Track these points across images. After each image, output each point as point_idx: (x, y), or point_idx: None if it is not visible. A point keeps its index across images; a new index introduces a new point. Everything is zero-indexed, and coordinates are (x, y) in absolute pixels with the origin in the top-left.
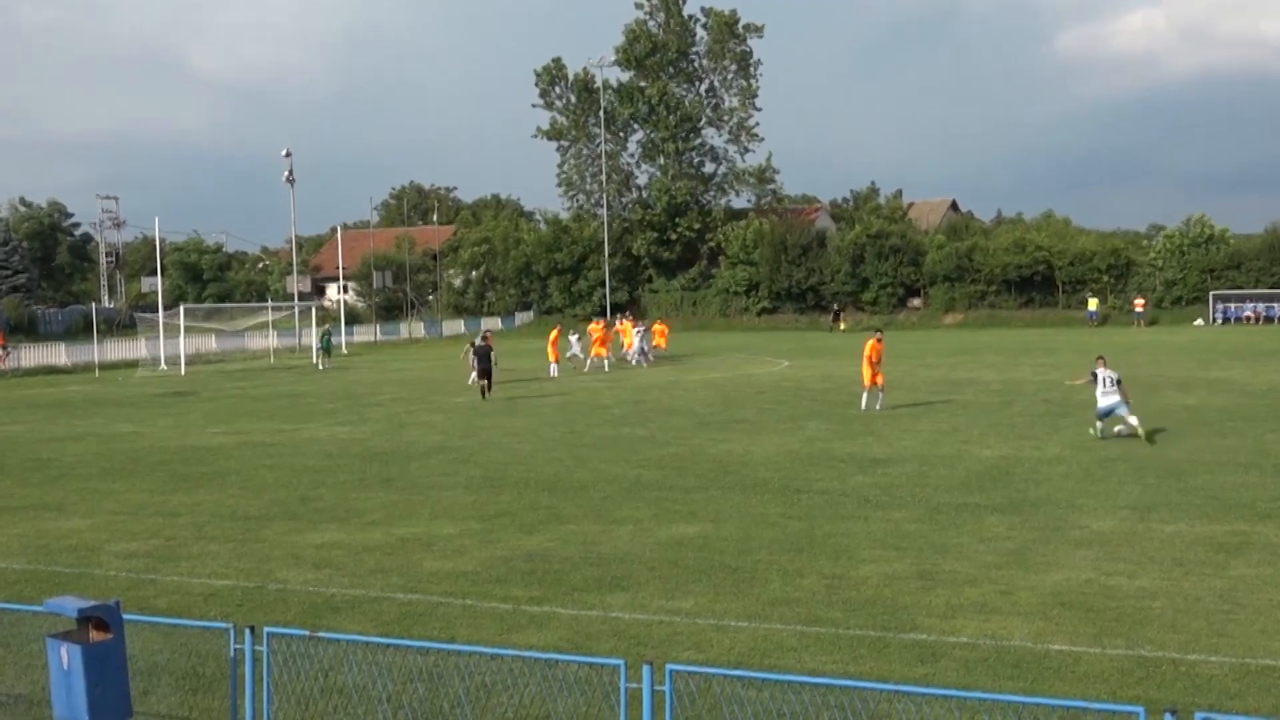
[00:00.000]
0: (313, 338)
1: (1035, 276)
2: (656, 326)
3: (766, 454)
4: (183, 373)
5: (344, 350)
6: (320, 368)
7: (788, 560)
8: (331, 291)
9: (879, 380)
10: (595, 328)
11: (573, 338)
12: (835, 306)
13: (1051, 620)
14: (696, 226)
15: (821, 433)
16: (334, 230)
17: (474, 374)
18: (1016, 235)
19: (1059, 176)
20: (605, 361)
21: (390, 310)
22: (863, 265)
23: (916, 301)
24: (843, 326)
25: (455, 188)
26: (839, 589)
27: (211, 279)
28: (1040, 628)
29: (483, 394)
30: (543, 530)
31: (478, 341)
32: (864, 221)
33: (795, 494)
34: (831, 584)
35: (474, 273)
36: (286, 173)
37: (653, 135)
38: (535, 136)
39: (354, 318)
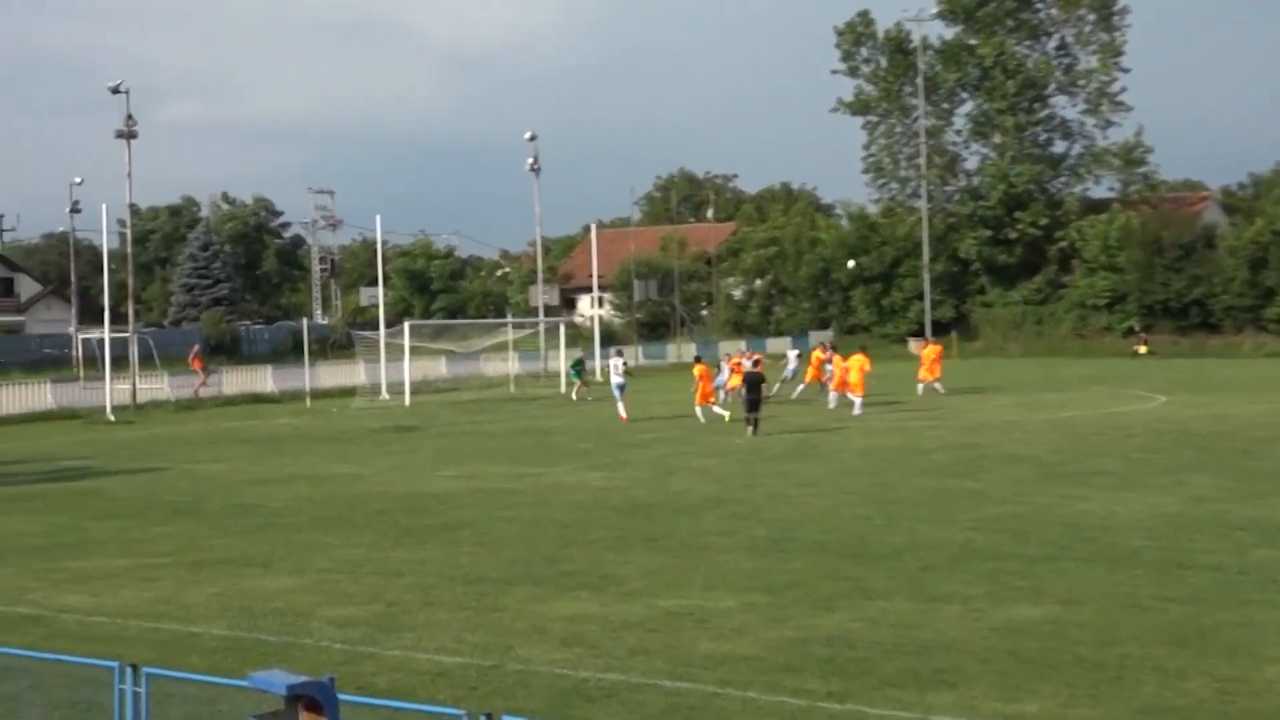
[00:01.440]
0: (561, 361)
1: None
2: (828, 356)
3: (1136, 516)
4: (407, 403)
5: (598, 376)
6: (575, 398)
7: (1165, 656)
8: (583, 305)
9: None
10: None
11: (792, 353)
12: (1136, 327)
13: None
14: (1043, 222)
15: (1211, 490)
16: (587, 230)
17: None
18: None
19: None
20: (834, 396)
21: (654, 327)
22: (1265, 271)
23: None
24: (1143, 349)
25: (735, 176)
26: (1236, 697)
27: (441, 289)
28: None
29: (750, 428)
30: (845, 607)
31: (746, 365)
32: (1266, 214)
33: (1176, 569)
34: (1225, 689)
35: (758, 281)
36: (530, 160)
37: (986, 107)
38: (835, 111)
39: (610, 336)
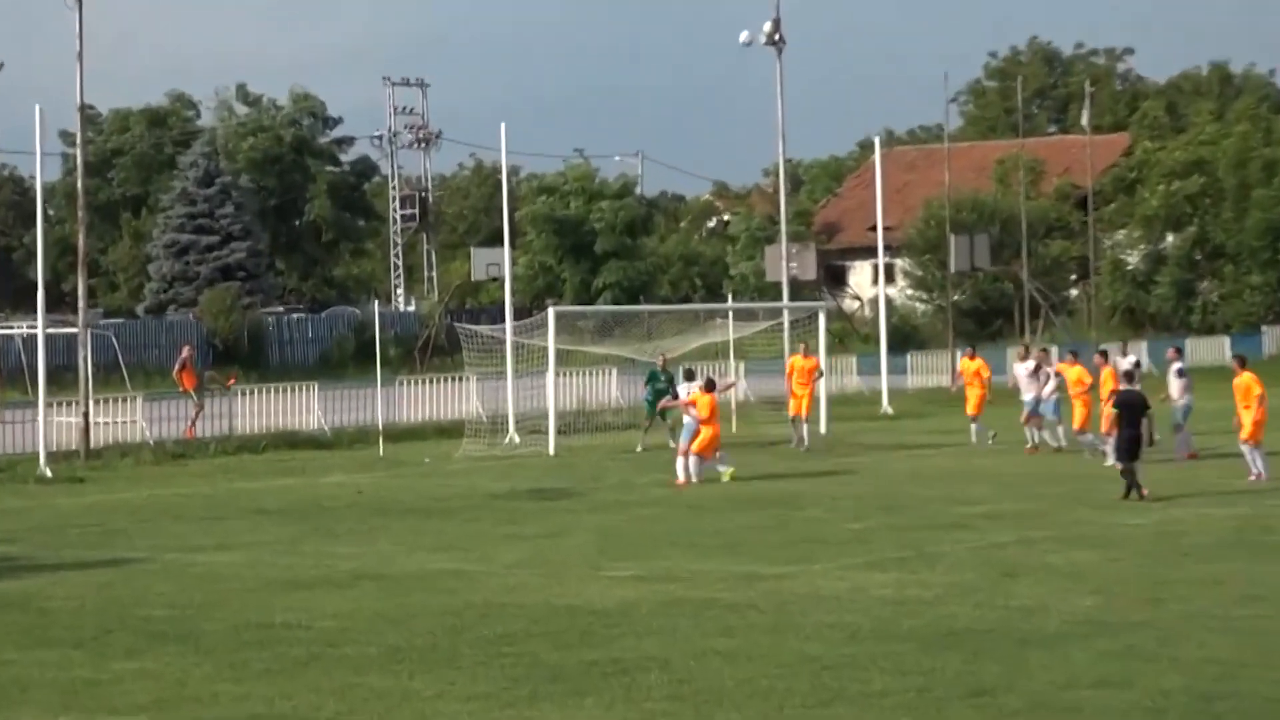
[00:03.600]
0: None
1: None
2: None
3: None
4: (551, 448)
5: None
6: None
7: None
8: (859, 278)
9: None
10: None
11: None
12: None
13: None
14: None
15: None
16: (866, 150)
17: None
18: None
19: None
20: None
21: (985, 318)
22: None
23: None
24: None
25: (1129, 52)
26: None
27: (611, 251)
28: None
29: (1130, 490)
30: None
31: (1121, 382)
32: None
33: None
34: None
35: (1170, 238)
36: (766, 27)
37: None
38: None
39: (905, 334)
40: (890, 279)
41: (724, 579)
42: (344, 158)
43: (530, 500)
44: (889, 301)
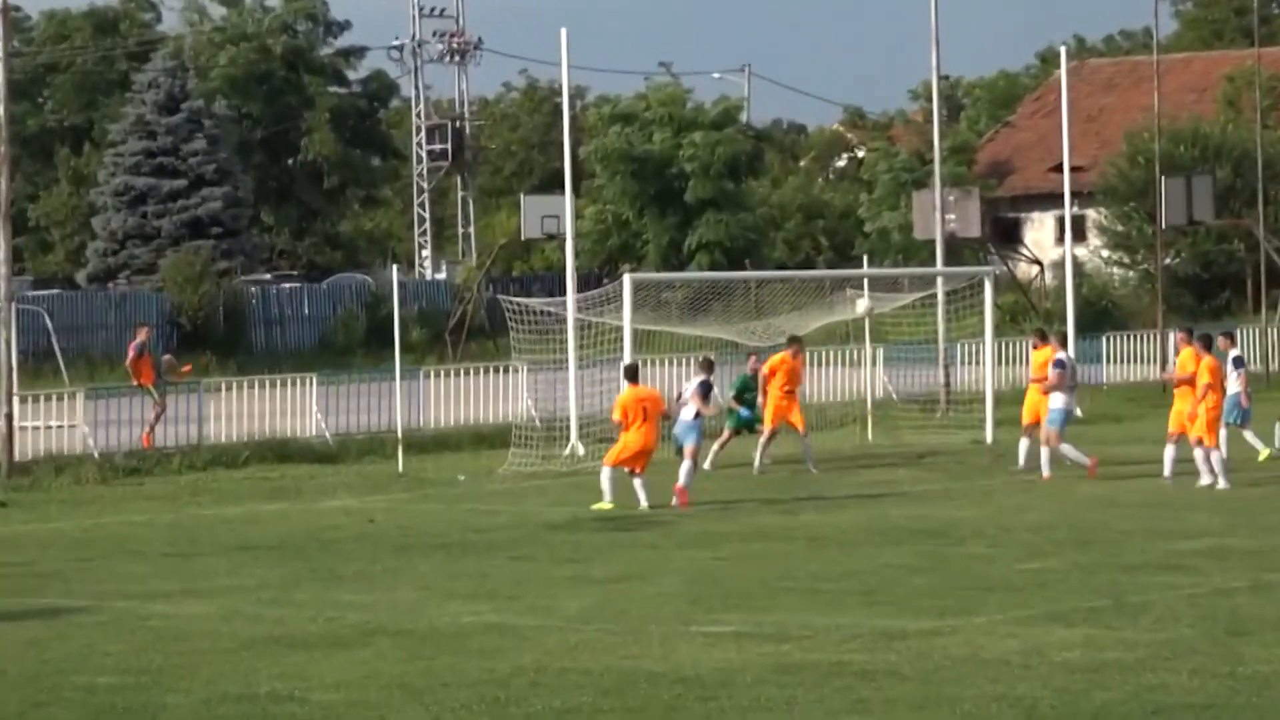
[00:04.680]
0: (986, 356)
1: None
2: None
3: None
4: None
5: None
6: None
7: None
8: (1040, 233)
9: None
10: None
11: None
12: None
13: None
14: None
15: None
16: (1048, 65)
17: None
18: None
19: None
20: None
21: (1207, 287)
22: None
23: None
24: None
25: None
26: None
27: (708, 199)
28: None
29: None
30: None
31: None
32: None
33: None
34: None
35: None
36: None
37: None
38: None
39: (1099, 312)
40: (1080, 236)
41: (856, 636)
42: (353, 75)
43: (598, 531)
44: (1079, 266)
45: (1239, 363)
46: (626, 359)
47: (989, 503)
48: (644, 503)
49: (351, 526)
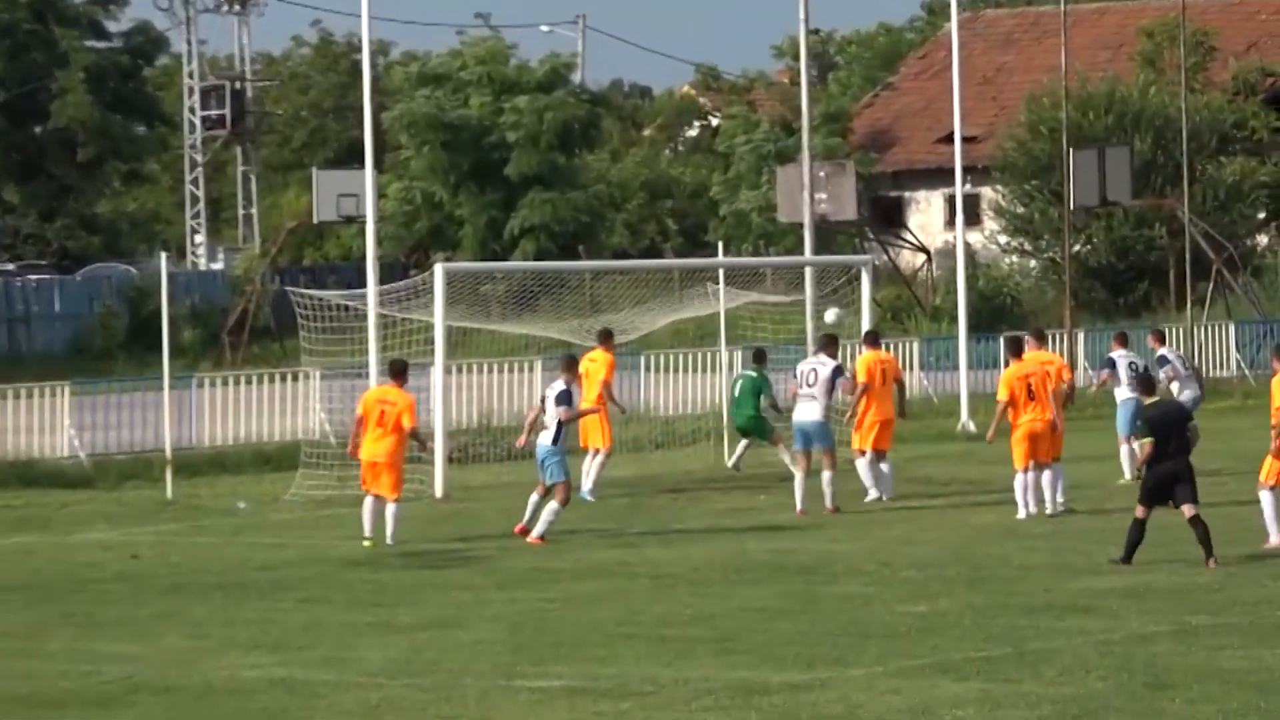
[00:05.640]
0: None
1: None
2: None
3: None
4: (438, 486)
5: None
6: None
7: None
8: (926, 216)
9: None
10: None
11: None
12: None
13: None
14: None
15: None
16: (933, 18)
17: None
18: None
19: None
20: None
21: (1122, 283)
22: None
23: None
24: None
25: None
26: None
27: (533, 174)
28: None
29: None
30: None
31: None
32: None
33: None
34: None
35: None
36: None
37: None
38: None
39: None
40: (974, 219)
41: (709, 692)
42: (113, 27)
43: (405, 569)
44: (972, 254)
45: (1164, 361)
46: (439, 362)
47: (867, 534)
48: (369, 531)
49: (112, 563)
